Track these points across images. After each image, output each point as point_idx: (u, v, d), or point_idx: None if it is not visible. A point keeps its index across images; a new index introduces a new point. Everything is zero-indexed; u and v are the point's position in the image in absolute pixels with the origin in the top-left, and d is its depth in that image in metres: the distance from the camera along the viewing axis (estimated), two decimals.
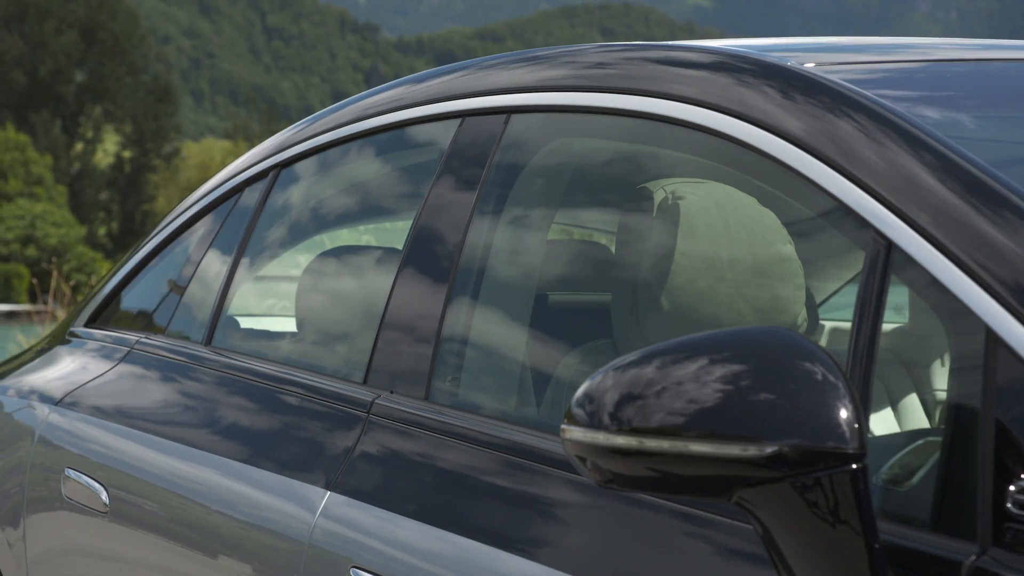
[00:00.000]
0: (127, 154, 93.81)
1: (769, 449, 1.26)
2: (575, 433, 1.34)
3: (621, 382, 1.31)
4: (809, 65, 1.78)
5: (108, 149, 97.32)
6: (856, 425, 1.26)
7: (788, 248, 1.99)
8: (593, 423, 1.32)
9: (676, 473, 1.30)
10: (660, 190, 2.10)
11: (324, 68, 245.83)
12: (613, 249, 2.23)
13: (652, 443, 1.28)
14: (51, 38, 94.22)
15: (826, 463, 1.26)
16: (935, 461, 1.40)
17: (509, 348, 2.10)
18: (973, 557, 1.30)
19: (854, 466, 1.27)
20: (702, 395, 1.28)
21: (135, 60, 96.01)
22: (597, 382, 1.34)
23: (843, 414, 1.26)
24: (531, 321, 2.13)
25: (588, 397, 1.34)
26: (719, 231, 2.07)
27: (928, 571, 1.33)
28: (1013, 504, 1.29)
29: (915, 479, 1.44)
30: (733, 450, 1.26)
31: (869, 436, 1.43)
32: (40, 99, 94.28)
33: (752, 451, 1.26)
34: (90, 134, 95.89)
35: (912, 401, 1.56)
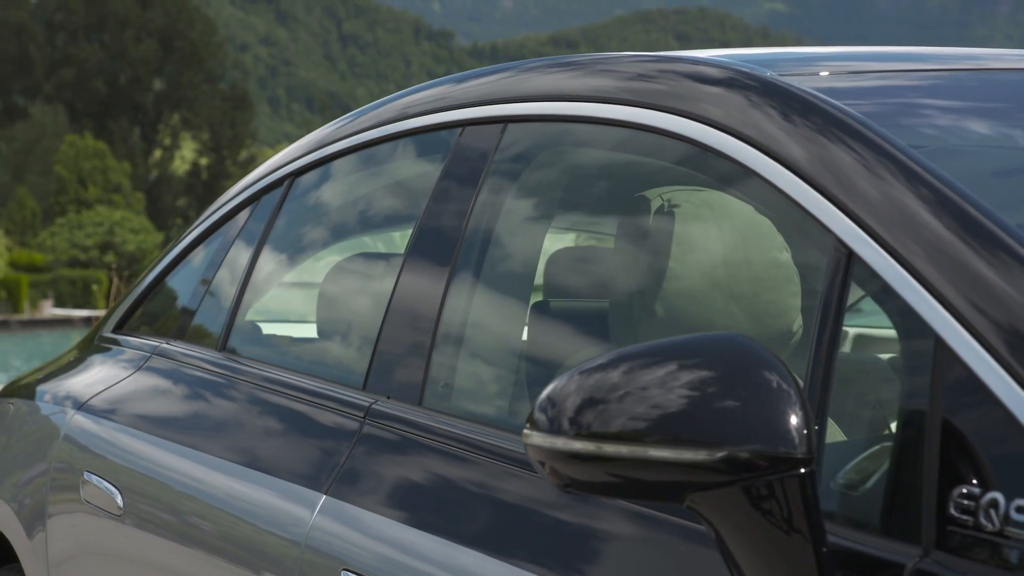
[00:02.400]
0: (204, 161, 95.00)
1: (719, 454, 1.28)
2: (535, 438, 1.36)
3: (584, 386, 1.33)
4: (770, 73, 1.81)
5: (185, 156, 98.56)
6: (805, 431, 1.29)
7: (784, 255, 1.99)
8: (553, 428, 1.35)
9: (630, 477, 1.32)
10: (657, 198, 2.12)
11: (399, 75, 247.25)
12: (610, 256, 2.25)
13: (610, 448, 1.30)
14: (130, 47, 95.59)
15: (775, 468, 1.28)
16: (887, 466, 1.42)
17: (503, 355, 2.12)
18: (915, 560, 1.33)
19: (803, 470, 1.29)
20: (659, 401, 1.30)
21: (212, 68, 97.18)
22: (560, 386, 1.36)
23: (793, 420, 1.28)
24: (525, 328, 2.15)
25: (551, 401, 1.36)
26: (714, 238, 2.08)
27: (874, 574, 1.36)
28: (955, 508, 1.31)
29: (869, 484, 1.46)
30: (684, 455, 1.29)
31: (828, 442, 1.49)
32: (119, 107, 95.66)
33: (702, 456, 1.29)
34: (168, 141, 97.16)
35: (869, 407, 1.58)
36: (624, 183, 2.19)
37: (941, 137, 1.80)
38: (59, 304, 58.31)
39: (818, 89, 1.74)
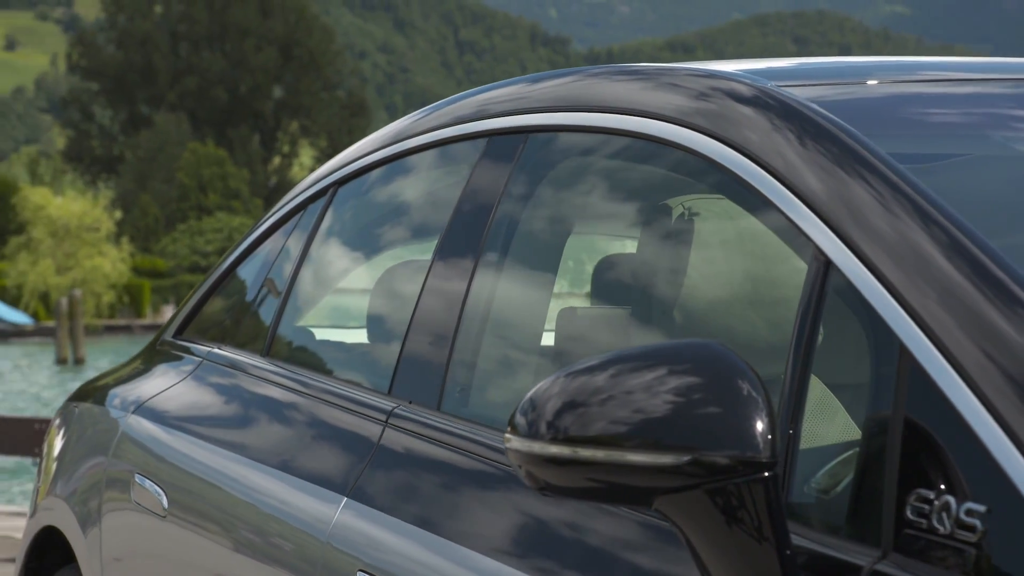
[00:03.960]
0: None
1: (686, 457, 1.32)
2: (514, 442, 1.40)
3: (568, 390, 1.37)
4: (771, 84, 1.82)
5: (304, 163, 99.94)
6: (770, 436, 1.32)
7: (801, 262, 2.00)
8: (531, 432, 1.38)
9: (602, 481, 1.36)
10: (679, 206, 2.13)
11: None
12: (629, 263, 2.26)
13: (586, 452, 1.34)
14: (251, 55, 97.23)
15: (740, 471, 1.32)
16: (854, 471, 1.45)
17: (520, 360, 2.15)
18: (872, 562, 1.36)
19: (766, 474, 1.33)
20: (634, 406, 1.34)
21: (330, 76, 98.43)
22: (538, 391, 1.40)
23: (759, 426, 1.32)
24: (543, 333, 2.17)
25: (532, 404, 1.40)
26: (732, 246, 2.08)
27: (833, 575, 1.39)
28: (912, 511, 1.35)
29: (839, 487, 1.49)
30: (653, 459, 1.33)
31: (803, 447, 1.53)
32: (239, 115, 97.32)
33: (669, 459, 1.32)
34: (287, 148, 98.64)
35: (842, 411, 1.60)
36: (647, 193, 2.19)
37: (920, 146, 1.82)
38: None
39: (816, 99, 1.76)
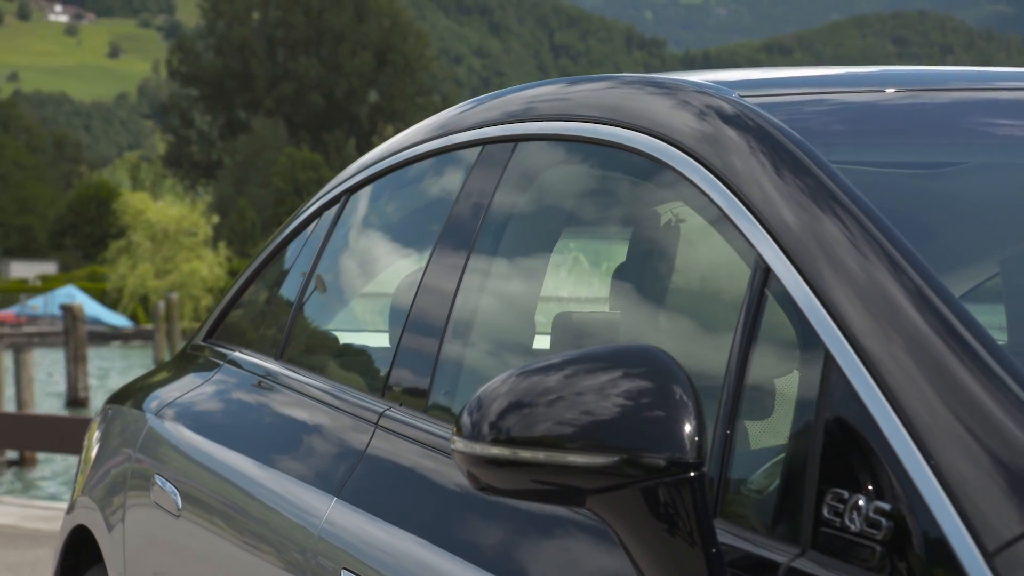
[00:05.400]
0: None
1: (615, 458, 1.37)
2: (458, 444, 1.45)
3: (515, 390, 1.42)
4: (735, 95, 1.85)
5: None
6: (697, 439, 1.37)
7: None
8: (473, 434, 1.43)
9: (538, 481, 1.41)
10: (667, 212, 2.14)
11: None
12: (621, 268, 2.28)
13: (526, 454, 1.39)
14: (346, 60, 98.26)
15: (668, 472, 1.37)
16: (782, 471, 1.50)
17: (505, 365, 2.17)
18: (789, 559, 1.41)
19: (692, 474, 1.38)
20: (566, 408, 1.39)
21: (423, 81, 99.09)
22: (483, 392, 1.45)
23: (687, 428, 1.37)
24: (530, 337, 2.20)
25: (479, 403, 1.45)
26: (718, 251, 2.10)
27: (758, 572, 1.44)
28: (828, 511, 1.39)
29: (771, 487, 1.52)
30: (586, 459, 1.38)
31: (746, 450, 1.59)
32: (335, 119, 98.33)
33: (600, 459, 1.38)
34: None
35: (777, 414, 1.63)
36: (639, 200, 2.21)
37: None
38: None
39: (777, 111, 1.80)
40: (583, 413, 1.38)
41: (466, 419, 1.45)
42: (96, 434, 3.33)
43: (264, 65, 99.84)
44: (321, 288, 2.80)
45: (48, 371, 38.02)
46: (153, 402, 3.04)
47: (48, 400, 29.70)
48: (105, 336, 52.95)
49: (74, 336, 30.10)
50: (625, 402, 1.38)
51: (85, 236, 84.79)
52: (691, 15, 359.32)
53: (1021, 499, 1.24)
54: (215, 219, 66.28)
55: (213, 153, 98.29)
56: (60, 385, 32.88)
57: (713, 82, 1.93)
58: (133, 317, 60.07)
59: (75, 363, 29.81)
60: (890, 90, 2.03)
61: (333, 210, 2.78)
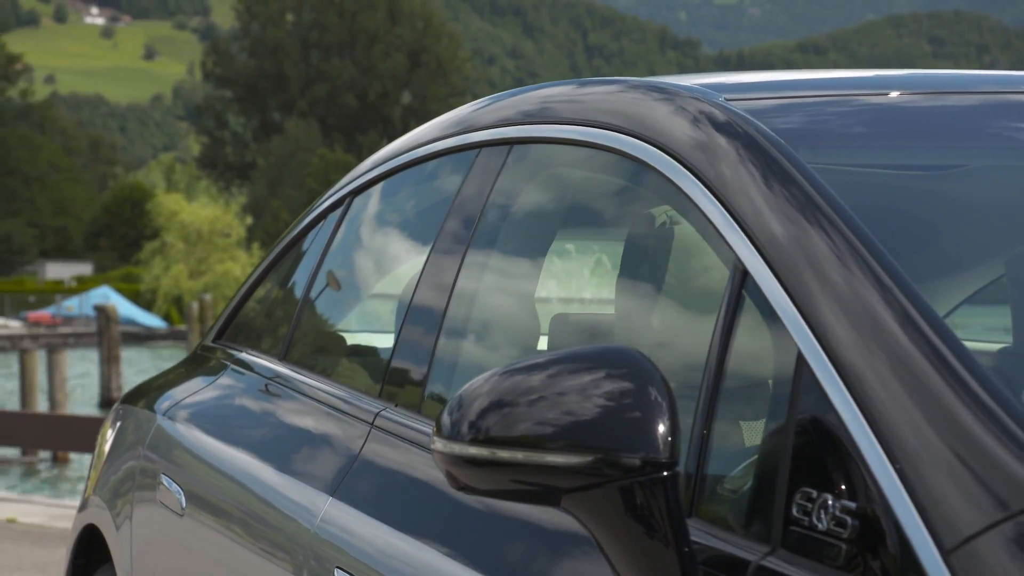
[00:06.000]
0: None
1: (590, 457, 1.40)
2: (438, 444, 1.48)
3: (497, 390, 1.44)
4: (721, 99, 1.86)
5: None
6: (670, 439, 1.40)
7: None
8: (452, 434, 1.46)
9: (514, 480, 1.44)
10: (662, 214, 2.15)
11: None
12: (612, 271, 2.29)
13: (504, 454, 1.42)
14: (379, 62, 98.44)
15: (641, 471, 1.40)
16: (755, 471, 1.52)
17: (497, 363, 2.18)
18: (760, 557, 1.44)
19: (665, 474, 1.41)
20: (546, 407, 1.41)
21: (457, 82, 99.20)
22: (461, 394, 1.48)
23: (661, 429, 1.39)
24: (523, 337, 2.21)
25: (460, 402, 1.47)
26: (700, 255, 2.10)
27: (730, 571, 1.47)
28: (797, 509, 1.42)
29: (745, 487, 1.55)
30: (563, 459, 1.40)
31: (722, 451, 1.60)
32: (368, 121, 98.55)
33: (574, 459, 1.40)
34: None
35: (753, 415, 1.64)
36: (631, 202, 2.22)
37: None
38: None
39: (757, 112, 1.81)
40: (562, 413, 1.40)
41: (446, 419, 1.46)
42: (108, 434, 3.36)
43: (298, 67, 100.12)
44: (335, 286, 2.83)
45: (84, 371, 38.27)
46: (162, 402, 3.07)
47: (82, 400, 29.90)
48: (139, 337, 53.23)
49: (107, 336, 30.30)
50: (602, 403, 1.40)
51: (120, 237, 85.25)
52: (725, 15, 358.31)
53: (977, 500, 1.27)
54: (248, 220, 66.52)
55: (247, 154, 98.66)
56: (94, 386, 33.08)
57: (701, 85, 1.94)
58: (167, 318, 60.35)
59: (108, 363, 30.01)
60: (880, 93, 2.04)
61: (337, 212, 2.80)
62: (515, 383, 1.44)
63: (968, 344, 1.40)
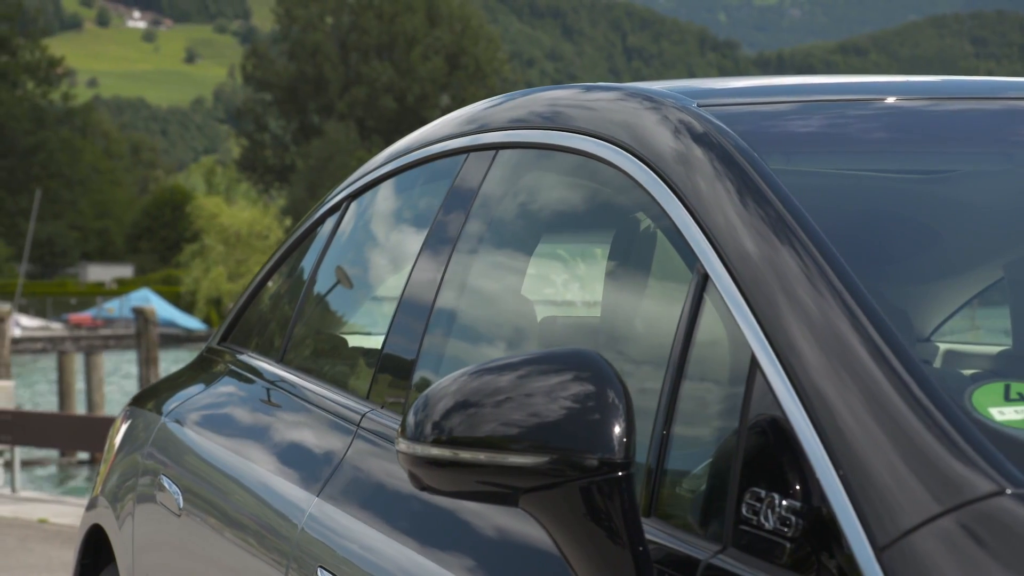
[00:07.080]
0: None
1: (546, 458, 1.43)
2: (402, 445, 1.51)
3: (464, 390, 1.47)
4: (694, 105, 1.88)
5: None
6: (625, 440, 1.43)
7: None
8: (415, 435, 1.49)
9: (475, 481, 1.47)
10: (644, 221, 2.16)
11: None
12: (599, 273, 2.30)
13: (466, 455, 1.45)
14: (418, 65, 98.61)
15: (597, 472, 1.43)
16: (711, 472, 1.56)
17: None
18: (710, 555, 1.48)
19: (620, 474, 1.44)
20: (511, 408, 1.44)
21: (495, 85, 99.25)
22: (428, 394, 1.51)
23: (616, 430, 1.43)
24: (506, 341, 2.22)
25: (425, 401, 1.50)
26: (665, 259, 2.11)
27: (682, 569, 1.50)
28: (746, 509, 1.46)
29: (701, 487, 1.58)
30: (522, 460, 1.44)
31: (680, 452, 1.64)
32: (407, 123, 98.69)
33: (530, 460, 1.44)
34: None
35: (709, 415, 1.66)
36: (620, 204, 2.23)
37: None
38: None
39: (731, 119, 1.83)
40: (527, 415, 1.43)
41: (411, 419, 1.49)
42: (117, 435, 3.40)
43: (337, 70, 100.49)
44: (346, 283, 2.86)
45: (124, 374, 38.52)
46: (167, 404, 3.11)
47: (120, 402, 30.10)
48: (179, 339, 53.57)
49: (146, 338, 30.48)
50: (566, 404, 1.43)
51: (161, 240, 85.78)
52: (765, 16, 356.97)
53: (910, 498, 1.30)
54: (288, 222, 66.79)
55: (286, 157, 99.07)
56: (133, 387, 33.31)
57: (673, 90, 1.95)
58: (207, 320, 60.69)
59: (147, 365, 30.19)
60: (857, 98, 2.05)
61: (335, 216, 2.83)
62: (482, 384, 1.46)
63: (968, 346, 1.45)
